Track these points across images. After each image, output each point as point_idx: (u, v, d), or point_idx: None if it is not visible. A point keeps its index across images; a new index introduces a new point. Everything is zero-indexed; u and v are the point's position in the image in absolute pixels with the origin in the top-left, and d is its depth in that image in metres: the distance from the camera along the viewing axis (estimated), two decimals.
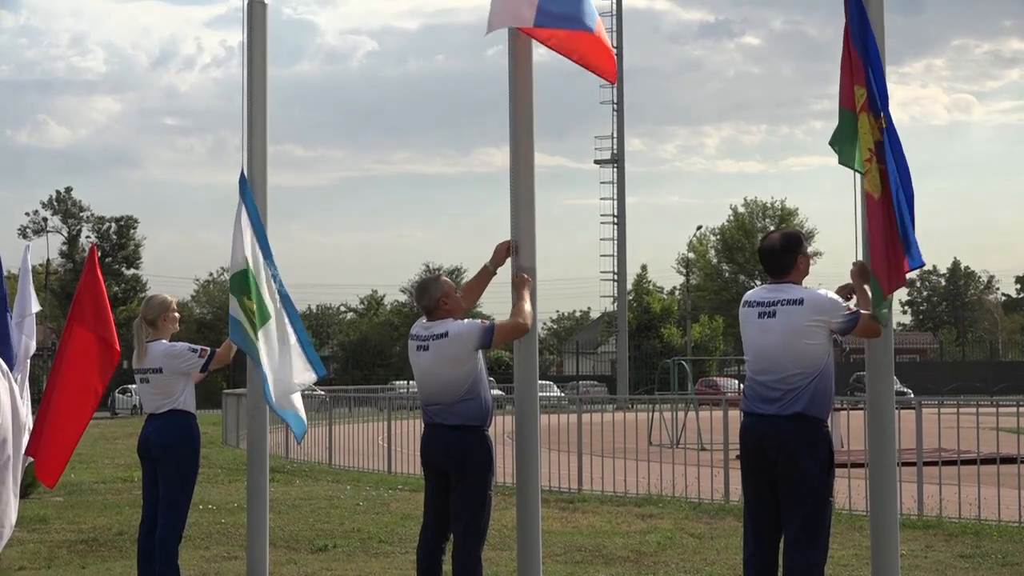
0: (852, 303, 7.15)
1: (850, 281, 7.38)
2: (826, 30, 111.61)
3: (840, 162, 7.18)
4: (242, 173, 9.01)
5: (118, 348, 9.38)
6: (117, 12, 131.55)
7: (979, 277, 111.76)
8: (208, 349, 9.08)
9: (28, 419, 9.84)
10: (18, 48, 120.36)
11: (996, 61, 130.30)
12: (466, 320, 7.85)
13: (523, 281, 7.90)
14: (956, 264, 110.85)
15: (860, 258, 7.32)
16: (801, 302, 6.98)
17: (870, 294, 7.12)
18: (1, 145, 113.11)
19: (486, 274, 8.20)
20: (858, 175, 7.20)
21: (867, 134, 7.02)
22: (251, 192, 8.91)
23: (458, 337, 7.71)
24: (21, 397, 9.82)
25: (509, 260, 8.06)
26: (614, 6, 66.49)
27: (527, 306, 7.80)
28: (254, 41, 9.57)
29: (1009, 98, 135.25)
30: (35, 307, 11.86)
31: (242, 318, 8.58)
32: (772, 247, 7.26)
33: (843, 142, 7.17)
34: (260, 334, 8.50)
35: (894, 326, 7.84)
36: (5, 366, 6.05)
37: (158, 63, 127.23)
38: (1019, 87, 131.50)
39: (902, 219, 6.97)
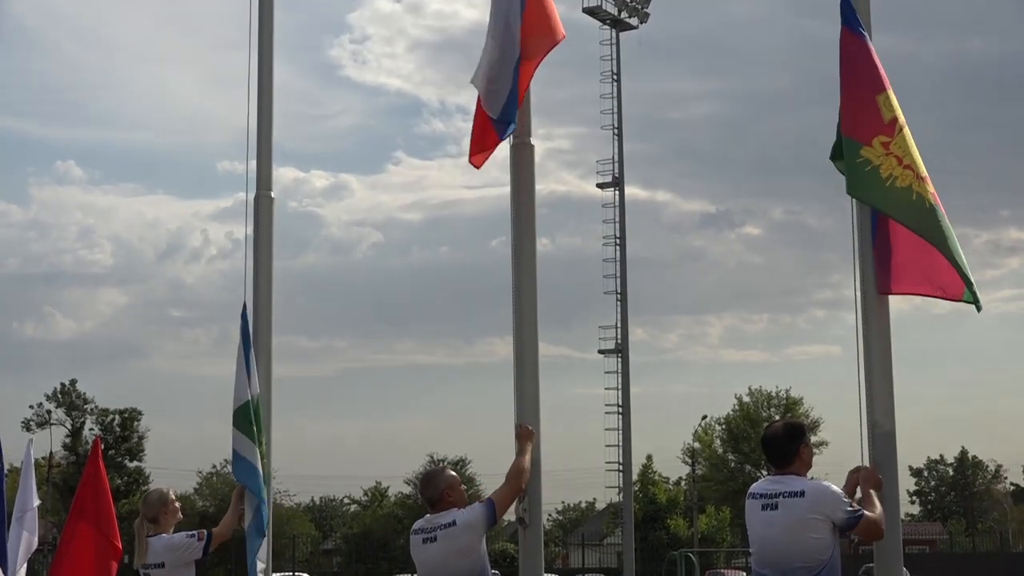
0: (857, 498, 7.10)
1: (859, 466, 7.37)
2: (825, 220, 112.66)
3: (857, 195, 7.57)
4: (244, 305, 9.21)
5: (119, 544, 9.30)
6: (125, 207, 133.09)
7: (987, 466, 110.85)
8: (205, 531, 8.99)
9: None
10: (26, 241, 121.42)
11: (996, 250, 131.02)
12: (467, 507, 7.79)
13: (527, 433, 7.87)
14: (964, 453, 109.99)
15: (867, 459, 7.34)
16: (803, 494, 6.89)
17: (877, 503, 7.09)
18: (7, 338, 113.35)
19: None
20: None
21: (915, 147, 7.38)
22: (248, 328, 9.14)
23: (467, 525, 7.62)
24: None
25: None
26: (616, 197, 67.41)
27: (524, 461, 7.76)
28: (260, 234, 9.70)
29: (1010, 286, 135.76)
30: (35, 501, 11.77)
31: (249, 453, 8.72)
32: (775, 437, 7.21)
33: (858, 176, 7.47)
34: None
35: (901, 516, 7.77)
36: None
37: (164, 255, 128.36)
38: (1019, 276, 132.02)
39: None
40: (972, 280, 7.45)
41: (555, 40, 8.18)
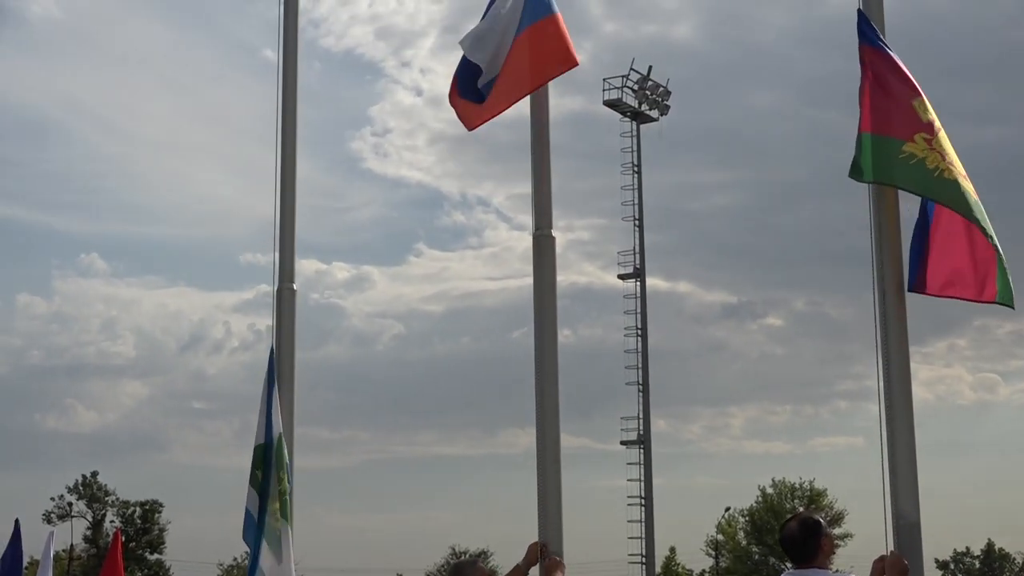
0: None
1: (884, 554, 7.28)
2: (846, 311, 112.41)
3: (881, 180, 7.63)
4: (271, 349, 9.38)
5: None
6: (148, 298, 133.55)
7: (1014, 559, 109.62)
8: None
9: None
10: (49, 334, 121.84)
11: (1019, 340, 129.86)
12: None
13: (555, 565, 7.79)
14: (990, 545, 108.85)
15: (892, 548, 7.26)
16: None
17: None
18: (29, 430, 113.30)
19: (517, 574, 8.08)
20: None
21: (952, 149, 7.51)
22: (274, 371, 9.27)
23: None
24: None
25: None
26: (637, 288, 67.54)
27: None
28: (283, 325, 9.73)
29: None
30: None
31: (251, 505, 8.82)
32: (792, 537, 7.07)
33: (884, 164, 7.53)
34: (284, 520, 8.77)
35: None
36: None
37: (187, 347, 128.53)
38: None
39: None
40: (1009, 278, 7.53)
41: (568, 63, 8.28)
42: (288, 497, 8.86)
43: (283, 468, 8.89)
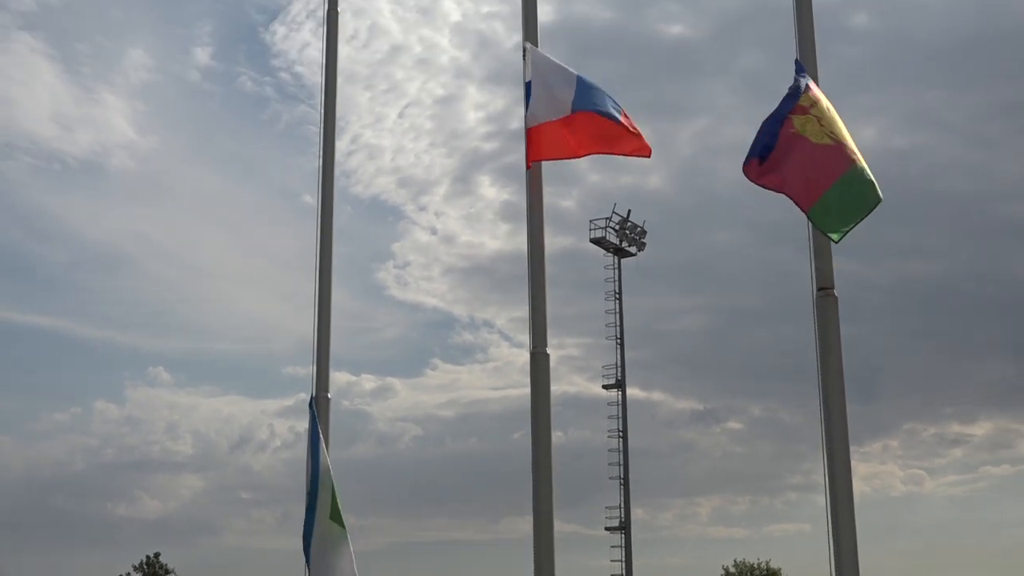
0: None
1: None
2: (796, 416, 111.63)
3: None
4: (311, 398, 9.70)
5: None
6: (205, 405, 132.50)
7: None
8: None
9: None
10: (121, 435, 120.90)
11: (941, 442, 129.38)
12: None
13: None
14: None
15: None
16: None
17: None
18: (102, 517, 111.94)
19: None
20: None
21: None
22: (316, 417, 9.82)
23: None
24: None
25: None
26: (619, 397, 67.22)
27: None
28: (317, 430, 9.81)
29: (954, 473, 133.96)
30: None
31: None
32: None
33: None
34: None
35: None
36: None
37: (236, 447, 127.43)
38: (962, 464, 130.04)
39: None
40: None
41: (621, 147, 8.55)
42: (337, 512, 9.48)
43: (332, 493, 9.48)
